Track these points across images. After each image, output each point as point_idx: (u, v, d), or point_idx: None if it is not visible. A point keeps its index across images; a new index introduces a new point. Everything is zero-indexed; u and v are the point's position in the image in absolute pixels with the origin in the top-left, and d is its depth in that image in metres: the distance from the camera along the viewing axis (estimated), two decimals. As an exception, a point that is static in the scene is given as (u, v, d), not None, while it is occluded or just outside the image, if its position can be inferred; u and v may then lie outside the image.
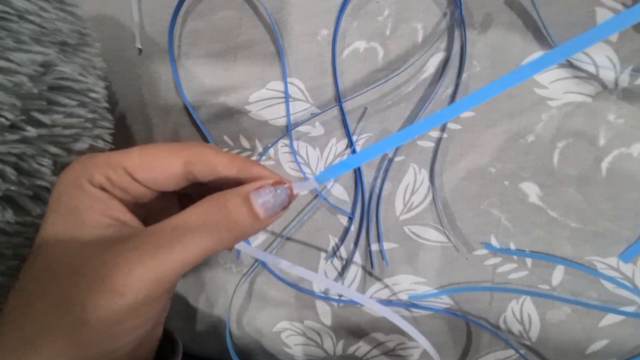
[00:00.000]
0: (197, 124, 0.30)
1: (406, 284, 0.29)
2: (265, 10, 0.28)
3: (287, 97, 0.29)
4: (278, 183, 0.18)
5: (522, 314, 0.28)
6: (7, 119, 0.17)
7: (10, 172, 0.18)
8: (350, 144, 0.29)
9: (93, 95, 0.22)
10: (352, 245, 0.30)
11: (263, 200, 0.17)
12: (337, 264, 0.30)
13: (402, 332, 0.30)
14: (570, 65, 0.26)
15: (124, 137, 0.32)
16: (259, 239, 0.31)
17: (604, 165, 0.26)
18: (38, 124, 0.19)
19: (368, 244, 0.29)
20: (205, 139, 0.30)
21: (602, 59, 0.25)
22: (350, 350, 0.31)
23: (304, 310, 0.31)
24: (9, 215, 0.19)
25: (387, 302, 0.30)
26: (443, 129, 0.28)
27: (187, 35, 0.30)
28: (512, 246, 0.28)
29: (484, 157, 0.27)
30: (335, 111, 0.29)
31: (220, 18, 0.29)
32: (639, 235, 0.26)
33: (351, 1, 0.28)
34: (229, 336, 0.31)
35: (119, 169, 0.18)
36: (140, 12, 0.30)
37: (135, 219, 0.19)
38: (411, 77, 0.28)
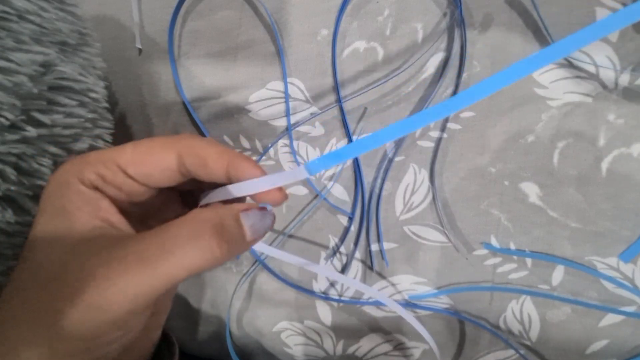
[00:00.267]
0: (197, 123, 0.30)
1: (406, 284, 0.29)
2: (265, 10, 0.28)
3: (287, 97, 0.29)
4: (264, 208, 0.18)
5: (522, 314, 0.28)
6: (7, 119, 0.17)
7: (10, 172, 0.18)
8: (350, 144, 0.29)
9: (93, 95, 0.22)
10: (352, 245, 0.30)
11: (251, 222, 0.17)
12: (337, 264, 0.30)
13: (402, 332, 0.30)
14: (570, 65, 0.26)
15: (124, 137, 0.32)
16: (259, 239, 0.31)
17: (604, 165, 0.26)
18: (38, 124, 0.19)
19: (368, 244, 0.29)
20: (205, 139, 0.30)
21: (602, 58, 0.25)
22: (350, 350, 0.31)
23: (304, 310, 0.31)
24: (9, 215, 0.19)
25: (387, 302, 0.30)
26: (443, 128, 0.28)
27: (187, 35, 0.30)
28: (512, 246, 0.28)
29: (484, 157, 0.27)
30: (335, 111, 0.29)
31: (220, 18, 0.29)
32: (639, 235, 0.26)
33: (351, 1, 0.28)
34: (229, 336, 0.31)
35: (111, 165, 0.17)
36: (140, 12, 0.30)
37: (125, 221, 0.18)
38: (411, 77, 0.28)
